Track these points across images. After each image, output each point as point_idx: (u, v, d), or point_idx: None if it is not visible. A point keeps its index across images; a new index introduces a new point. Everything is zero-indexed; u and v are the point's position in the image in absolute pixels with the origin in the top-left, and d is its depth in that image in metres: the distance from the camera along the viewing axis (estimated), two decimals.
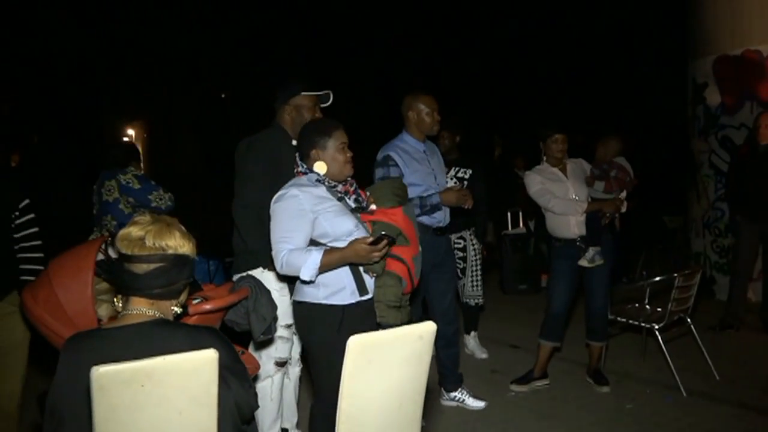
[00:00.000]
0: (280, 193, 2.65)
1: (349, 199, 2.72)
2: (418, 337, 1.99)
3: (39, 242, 3.31)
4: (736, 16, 6.55)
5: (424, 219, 3.77)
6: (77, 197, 7.02)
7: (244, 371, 1.96)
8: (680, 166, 8.11)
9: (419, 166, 3.78)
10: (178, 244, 1.89)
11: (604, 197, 4.48)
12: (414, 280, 2.77)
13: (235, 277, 3.10)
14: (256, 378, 3.03)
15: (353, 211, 2.71)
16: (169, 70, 16.01)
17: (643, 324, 4.42)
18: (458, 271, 4.81)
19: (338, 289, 2.64)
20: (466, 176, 4.94)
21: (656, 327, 4.29)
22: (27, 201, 3.26)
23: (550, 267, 4.42)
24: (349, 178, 2.76)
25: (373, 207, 2.78)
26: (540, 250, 7.31)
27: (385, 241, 2.48)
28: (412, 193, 3.71)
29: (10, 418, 3.25)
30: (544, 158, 4.37)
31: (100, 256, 2.60)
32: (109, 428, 1.53)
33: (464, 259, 4.91)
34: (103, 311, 2.58)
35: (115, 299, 1.98)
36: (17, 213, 3.19)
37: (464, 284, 4.94)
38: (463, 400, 4.06)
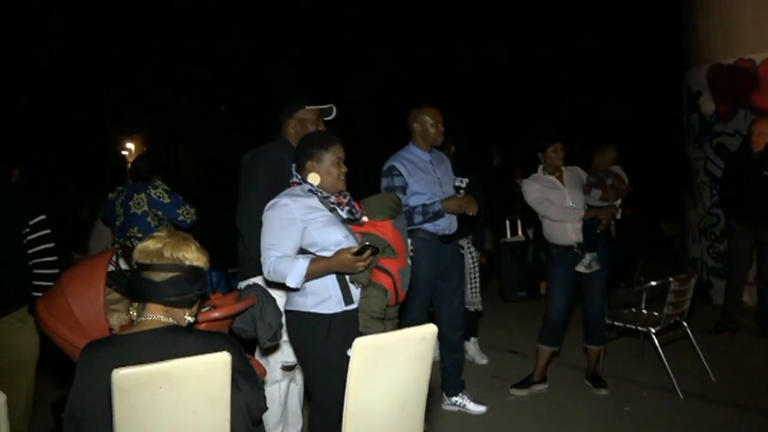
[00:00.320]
0: (272, 201, 2.71)
1: (342, 210, 2.76)
2: (421, 338, 2.07)
3: (53, 258, 3.29)
4: (729, 26, 6.67)
5: (428, 226, 3.87)
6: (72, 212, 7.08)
7: (253, 374, 2.05)
8: (676, 173, 8.21)
9: (424, 176, 3.89)
10: (194, 257, 2.02)
11: (600, 204, 4.58)
12: (400, 292, 2.79)
13: (241, 284, 3.20)
14: (263, 383, 3.10)
15: (344, 222, 2.75)
16: (168, 83, 16.12)
17: (640, 328, 4.50)
18: None
19: (325, 298, 2.69)
20: (463, 185, 5.01)
21: (653, 331, 4.36)
22: (42, 217, 3.25)
23: (548, 273, 4.51)
24: (343, 191, 2.81)
25: (365, 219, 2.82)
26: (539, 258, 7.38)
27: (369, 251, 2.52)
28: (416, 201, 3.83)
29: None
30: (541, 167, 4.46)
31: (111, 268, 2.70)
32: (130, 428, 1.61)
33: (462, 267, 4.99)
34: (115, 320, 2.66)
35: (130, 307, 2.06)
36: (28, 229, 3.18)
37: (463, 291, 5.02)
38: (465, 404, 4.14)
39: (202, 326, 2.43)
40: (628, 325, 4.59)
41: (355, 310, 2.72)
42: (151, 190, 4.78)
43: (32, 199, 3.42)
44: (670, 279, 4.36)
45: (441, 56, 15.78)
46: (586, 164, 4.90)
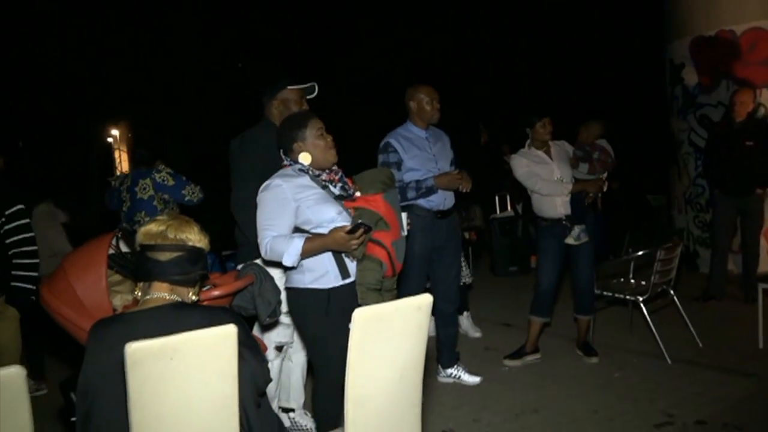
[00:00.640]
0: (265, 183, 2.77)
1: (334, 187, 2.82)
2: (417, 308, 2.14)
3: (32, 248, 3.29)
4: None
5: (422, 202, 3.96)
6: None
7: (257, 346, 2.12)
8: (661, 145, 8.31)
9: (419, 152, 3.97)
10: (197, 238, 2.09)
11: (588, 178, 4.66)
12: (395, 263, 2.85)
13: (240, 266, 3.26)
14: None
15: (337, 198, 2.80)
16: (151, 69, 15.99)
17: (628, 297, 4.60)
18: None
19: (322, 273, 2.76)
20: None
21: (641, 299, 4.45)
22: (19, 207, 3.23)
23: (538, 246, 4.60)
24: (334, 167, 2.87)
25: (357, 194, 2.87)
26: (528, 233, 7.51)
27: (361, 230, 2.59)
28: (410, 177, 3.91)
29: None
30: (528, 141, 4.53)
31: (111, 250, 2.75)
32: (143, 398, 1.68)
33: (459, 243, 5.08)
34: (118, 301, 2.73)
35: (135, 288, 2.13)
36: (3, 219, 3.18)
37: (460, 266, 5.11)
38: (459, 376, 4.24)
39: (204, 304, 2.50)
40: (616, 295, 4.68)
41: (352, 283, 2.79)
42: (155, 174, 4.87)
43: (12, 188, 3.40)
44: (657, 249, 4.46)
45: (427, 36, 15.75)
46: (571, 137, 4.97)
